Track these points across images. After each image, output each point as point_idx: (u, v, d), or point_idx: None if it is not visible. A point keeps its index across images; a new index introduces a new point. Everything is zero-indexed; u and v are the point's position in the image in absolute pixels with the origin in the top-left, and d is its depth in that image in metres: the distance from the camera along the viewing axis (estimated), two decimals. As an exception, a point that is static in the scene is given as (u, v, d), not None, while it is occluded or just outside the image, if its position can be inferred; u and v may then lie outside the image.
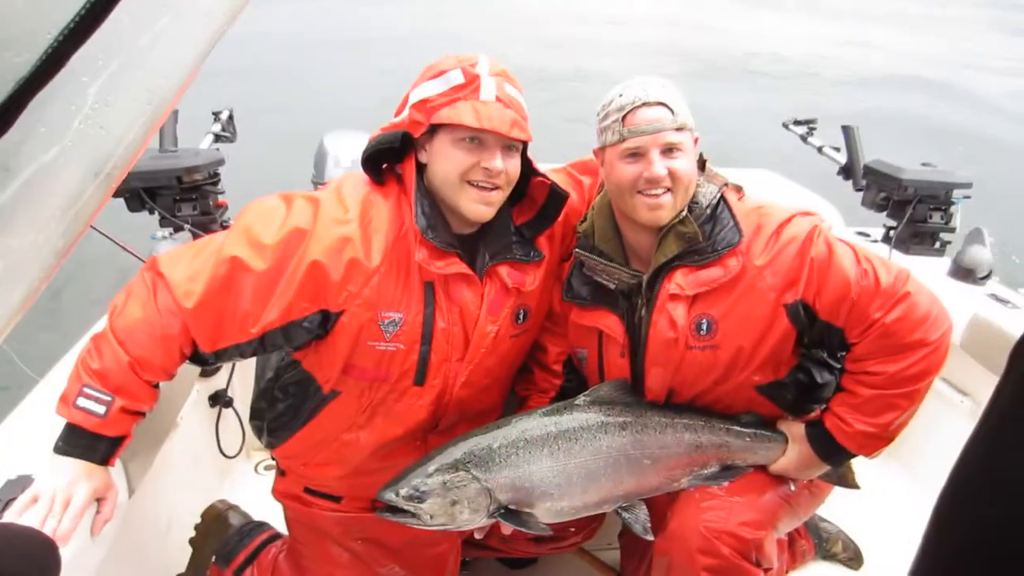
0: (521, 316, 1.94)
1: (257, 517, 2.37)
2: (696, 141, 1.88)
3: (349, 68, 14.42)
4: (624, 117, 1.80)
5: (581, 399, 1.95)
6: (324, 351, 1.82)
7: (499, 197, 1.80)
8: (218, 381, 2.78)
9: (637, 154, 1.80)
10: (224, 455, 2.70)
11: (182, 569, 2.27)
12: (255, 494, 2.49)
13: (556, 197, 1.93)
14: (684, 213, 1.84)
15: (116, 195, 2.75)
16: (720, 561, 1.79)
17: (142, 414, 1.77)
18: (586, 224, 1.98)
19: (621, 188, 1.84)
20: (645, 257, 1.92)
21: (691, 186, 1.85)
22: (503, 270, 1.87)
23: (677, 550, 1.84)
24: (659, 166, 1.78)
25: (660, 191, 1.80)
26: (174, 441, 2.40)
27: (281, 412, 1.95)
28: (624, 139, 1.80)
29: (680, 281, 1.84)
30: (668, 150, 1.79)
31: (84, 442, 1.68)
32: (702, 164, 1.94)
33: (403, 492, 1.76)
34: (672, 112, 1.80)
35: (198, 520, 2.32)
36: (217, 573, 2.22)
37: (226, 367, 2.76)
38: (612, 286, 1.92)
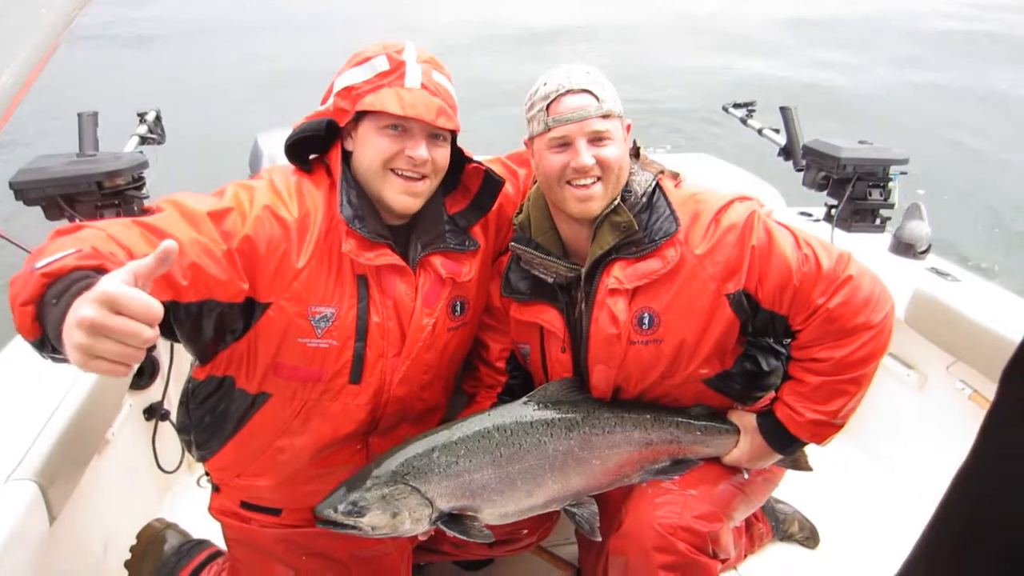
0: (458, 308, 1.89)
1: (201, 533, 2.27)
2: (628, 128, 1.84)
3: (288, 57, 14.15)
4: (548, 106, 1.76)
5: (526, 399, 1.89)
6: (247, 348, 1.71)
7: (425, 187, 1.74)
8: (153, 394, 2.67)
9: (564, 143, 1.75)
10: (162, 470, 2.59)
11: (120, 594, 2.16)
12: (197, 509, 2.38)
13: (491, 184, 1.88)
14: (617, 202, 1.80)
15: (33, 203, 2.64)
16: (676, 557, 1.76)
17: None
18: (522, 216, 1.92)
19: (550, 179, 1.79)
20: (582, 249, 1.87)
21: (622, 174, 1.81)
22: (437, 260, 1.81)
23: (633, 549, 1.80)
24: (586, 155, 1.73)
25: (589, 181, 1.75)
26: (105, 459, 2.29)
27: (208, 423, 1.84)
28: (549, 128, 1.76)
29: (618, 274, 1.79)
30: (596, 139, 1.75)
31: (64, 284, 1.23)
32: (636, 152, 1.90)
33: (341, 508, 1.70)
34: (597, 99, 1.75)
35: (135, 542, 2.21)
36: (155, 596, 2.11)
37: (160, 379, 2.65)
38: (550, 280, 1.87)
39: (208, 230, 1.57)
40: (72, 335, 1.10)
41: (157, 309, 1.12)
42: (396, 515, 1.71)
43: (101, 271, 1.25)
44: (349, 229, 1.68)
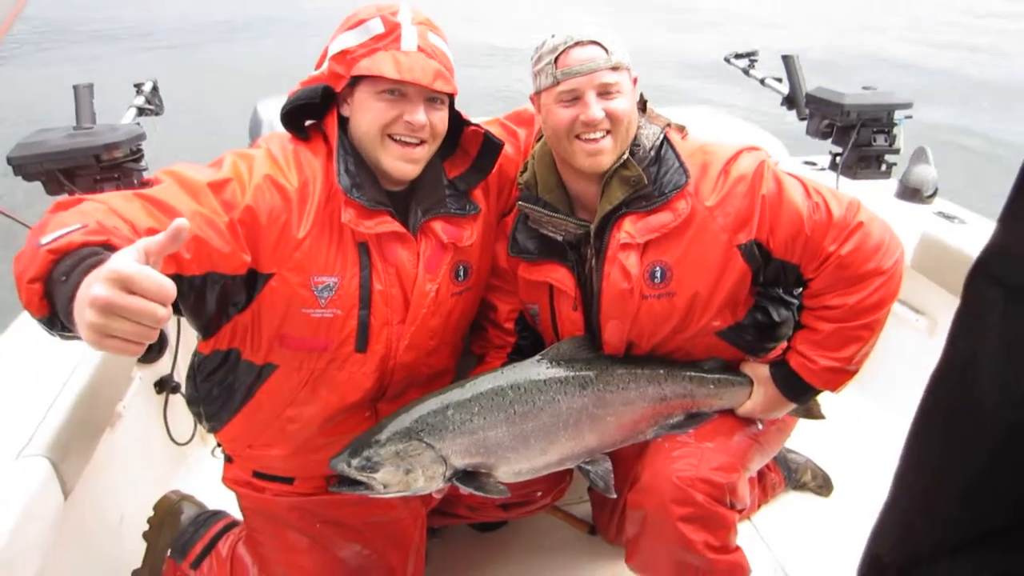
0: (461, 273, 1.86)
1: (216, 504, 2.28)
2: (635, 81, 1.80)
3: (281, 32, 13.99)
4: (556, 59, 1.72)
5: (539, 357, 1.88)
6: (251, 320, 1.69)
7: (423, 153, 1.71)
8: (162, 367, 2.67)
9: (573, 97, 1.72)
10: (175, 442, 2.60)
11: (138, 565, 2.18)
12: (212, 480, 2.39)
13: (491, 146, 1.84)
14: (626, 156, 1.77)
15: (32, 178, 2.62)
16: (695, 509, 1.76)
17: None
18: (527, 175, 1.89)
19: (558, 133, 1.76)
20: (590, 205, 1.85)
21: (631, 127, 1.78)
22: (437, 225, 1.79)
23: (651, 502, 1.80)
24: (595, 108, 1.70)
25: (599, 134, 1.73)
26: (118, 432, 2.30)
27: (215, 395, 1.84)
28: (558, 81, 1.72)
29: (629, 229, 1.77)
30: (605, 91, 1.72)
31: (72, 261, 1.20)
32: (643, 105, 1.87)
33: (355, 462, 1.69)
34: (606, 51, 1.72)
35: (152, 513, 2.22)
36: (173, 567, 2.14)
37: (169, 352, 2.65)
38: (559, 238, 1.85)
39: (209, 201, 1.54)
40: (84, 314, 1.08)
41: (170, 288, 1.10)
42: (409, 472, 1.70)
43: (108, 246, 1.23)
44: (348, 198, 1.65)
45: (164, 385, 2.65)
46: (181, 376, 2.58)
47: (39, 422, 1.89)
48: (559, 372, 1.85)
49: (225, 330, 1.72)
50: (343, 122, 1.73)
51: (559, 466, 1.88)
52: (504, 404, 1.78)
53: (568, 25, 1.75)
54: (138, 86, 3.50)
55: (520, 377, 1.83)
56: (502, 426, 1.77)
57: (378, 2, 1.71)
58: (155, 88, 3.55)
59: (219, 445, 2.01)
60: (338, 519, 1.94)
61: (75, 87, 2.93)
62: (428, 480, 1.73)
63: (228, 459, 2.00)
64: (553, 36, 1.75)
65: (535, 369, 1.85)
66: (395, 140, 1.67)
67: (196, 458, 2.80)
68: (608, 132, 1.73)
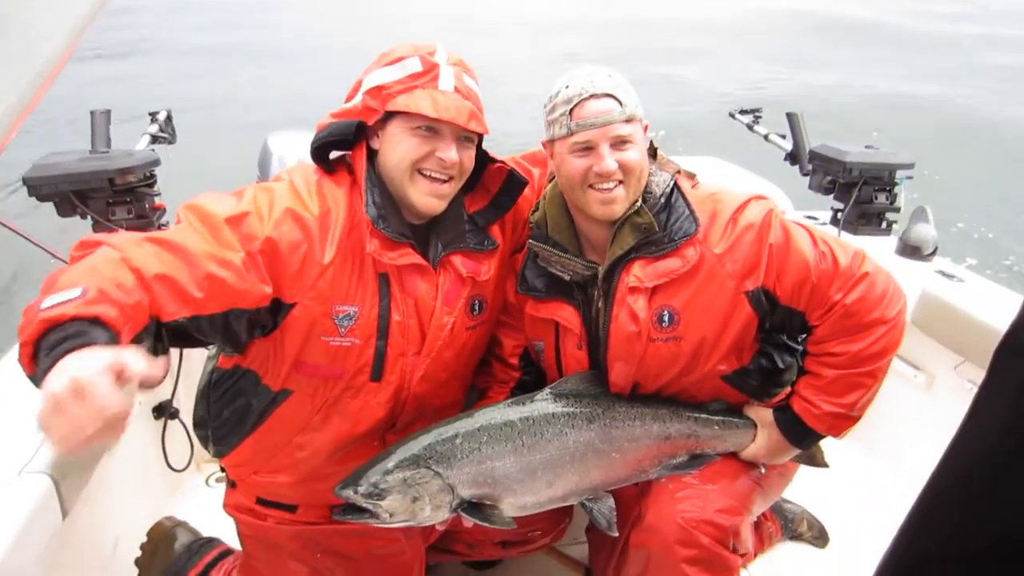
0: (476, 307, 1.89)
1: (209, 532, 2.26)
2: (646, 128, 1.85)
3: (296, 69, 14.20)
4: (572, 110, 1.76)
5: (547, 391, 1.89)
6: (273, 346, 1.72)
7: (451, 189, 1.75)
8: (162, 392, 2.65)
9: (587, 147, 1.76)
10: (172, 469, 2.58)
11: (131, 590, 2.15)
12: (206, 508, 2.38)
13: (513, 184, 1.89)
14: (639, 204, 1.81)
15: (46, 199, 2.64)
16: (700, 551, 1.76)
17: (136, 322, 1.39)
18: (538, 214, 1.93)
19: (572, 182, 1.80)
20: (600, 247, 1.88)
21: (643, 176, 1.82)
22: (457, 259, 1.82)
23: (655, 543, 1.79)
24: (609, 160, 1.74)
25: (612, 184, 1.77)
26: (115, 456, 2.28)
27: (227, 417, 1.84)
28: (573, 133, 1.76)
29: (639, 273, 1.80)
30: (618, 143, 1.76)
31: (58, 337, 1.27)
32: (653, 152, 1.91)
33: (362, 489, 1.69)
34: (620, 104, 1.76)
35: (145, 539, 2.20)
36: (166, 595, 2.11)
37: (170, 376, 2.64)
38: (567, 277, 1.88)
39: (226, 237, 1.57)
40: (42, 394, 1.17)
41: (109, 413, 1.16)
42: (416, 500, 1.70)
43: (99, 322, 1.30)
44: (373, 229, 1.68)
45: (163, 411, 2.63)
46: (180, 403, 2.58)
47: (42, 439, 1.88)
48: (567, 406, 1.86)
49: (251, 349, 1.74)
50: (371, 154, 1.76)
51: (563, 502, 1.88)
52: (512, 435, 1.79)
53: (583, 76, 1.79)
54: (153, 114, 3.53)
55: (529, 409, 1.84)
56: (510, 457, 1.77)
57: (415, 41, 1.76)
58: (169, 117, 3.59)
59: (223, 470, 1.99)
60: (339, 550, 1.93)
61: (92, 112, 2.97)
62: (435, 510, 1.72)
63: (231, 484, 1.99)
64: (568, 87, 1.78)
65: (544, 402, 1.86)
66: (424, 175, 1.71)
67: (192, 485, 2.78)
68: (621, 182, 1.77)
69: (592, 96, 1.75)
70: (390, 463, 1.71)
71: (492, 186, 1.90)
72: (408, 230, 1.76)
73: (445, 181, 1.73)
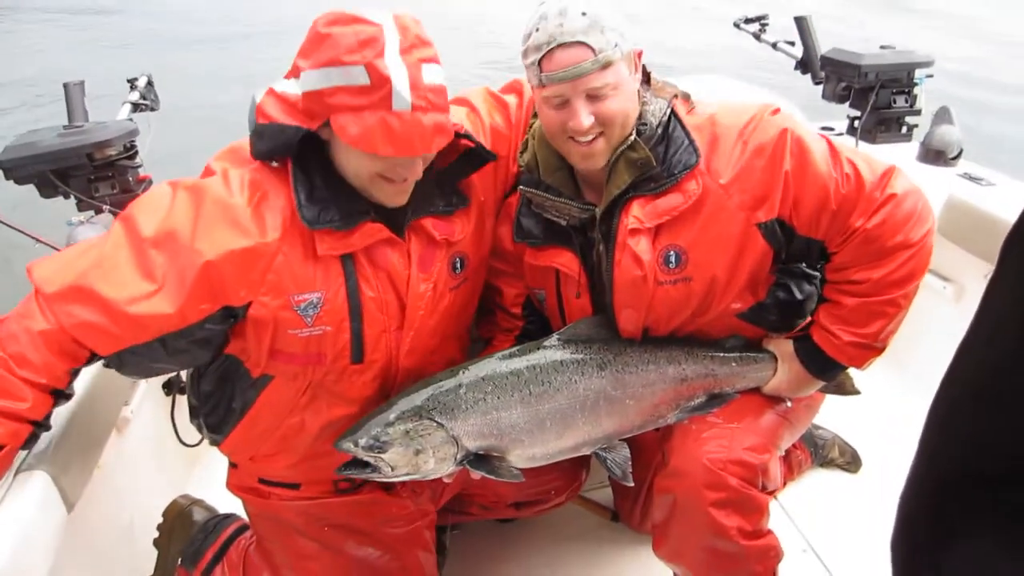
0: (458, 265, 1.76)
1: (228, 506, 2.22)
2: (639, 55, 1.66)
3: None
4: (540, 61, 1.57)
5: (555, 337, 1.80)
6: (246, 335, 1.61)
7: (413, 185, 1.59)
8: (169, 367, 2.61)
9: (561, 101, 1.60)
10: (184, 444, 2.55)
11: (150, 573, 2.13)
12: (223, 481, 2.35)
13: (478, 156, 1.73)
14: (632, 138, 1.66)
15: (24, 181, 2.54)
16: (728, 493, 1.67)
17: (25, 421, 1.52)
18: (528, 155, 1.78)
19: (551, 133, 1.67)
20: (597, 185, 1.74)
21: (628, 120, 1.65)
22: (428, 222, 1.68)
23: (681, 487, 1.71)
24: (583, 116, 1.57)
25: (590, 138, 1.61)
26: (127, 437, 2.25)
27: (214, 406, 1.77)
28: (544, 85, 1.59)
29: (638, 213, 1.67)
30: (594, 95, 1.58)
31: None
32: (647, 77, 1.75)
33: (362, 442, 1.62)
34: (594, 52, 1.54)
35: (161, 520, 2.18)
36: (184, 575, 2.09)
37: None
38: (563, 222, 1.76)
39: (148, 261, 1.48)
40: None
41: None
42: (419, 452, 1.63)
43: None
44: (316, 231, 1.53)
45: (172, 386, 2.59)
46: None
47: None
48: (576, 352, 1.77)
49: (231, 341, 1.65)
50: (320, 143, 1.57)
51: (575, 452, 1.80)
52: (519, 384, 1.71)
53: (553, 17, 1.55)
54: (131, 81, 3.39)
55: (536, 357, 1.75)
56: (517, 407, 1.70)
57: (356, 26, 1.44)
58: (149, 83, 3.45)
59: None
60: (347, 522, 1.88)
61: (65, 85, 2.85)
62: (438, 462, 1.66)
63: (233, 465, 1.94)
64: (538, 30, 1.57)
65: (552, 349, 1.77)
66: (386, 178, 1.54)
67: (208, 459, 2.75)
68: (601, 134, 1.62)
69: (560, 46, 1.54)
70: (392, 415, 1.64)
71: (460, 144, 1.72)
72: (365, 205, 1.59)
73: (408, 180, 1.57)
